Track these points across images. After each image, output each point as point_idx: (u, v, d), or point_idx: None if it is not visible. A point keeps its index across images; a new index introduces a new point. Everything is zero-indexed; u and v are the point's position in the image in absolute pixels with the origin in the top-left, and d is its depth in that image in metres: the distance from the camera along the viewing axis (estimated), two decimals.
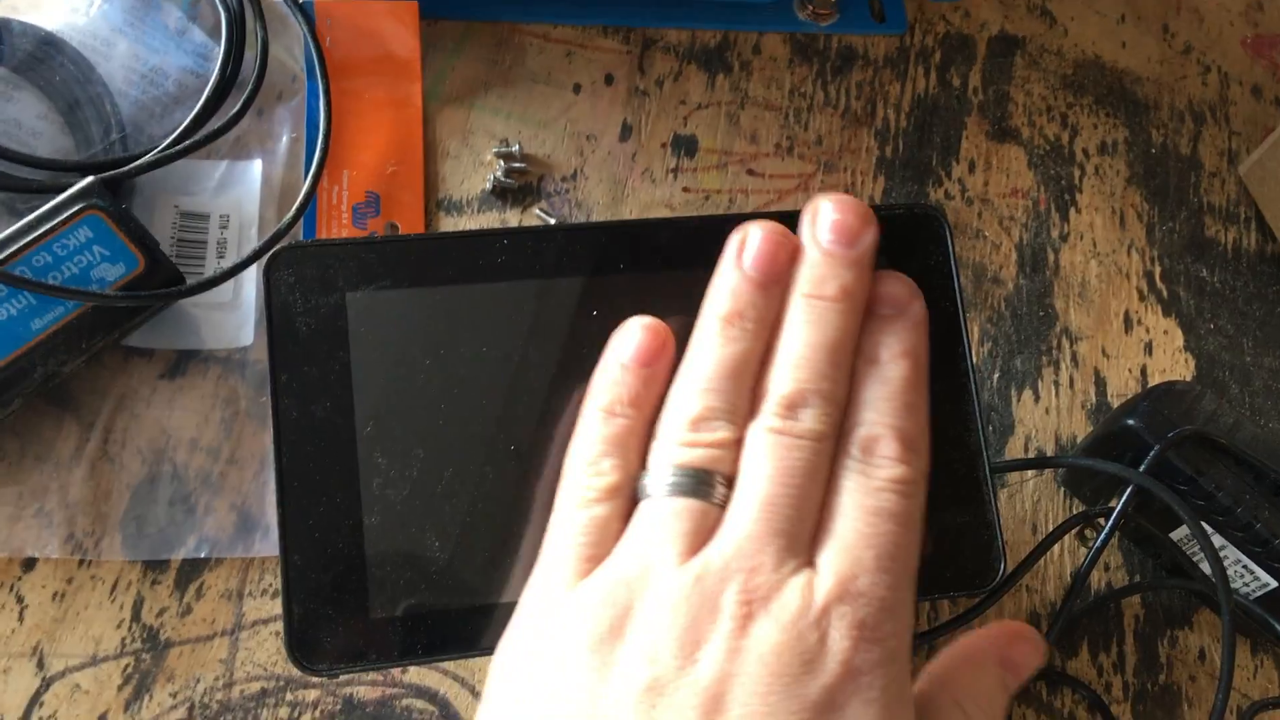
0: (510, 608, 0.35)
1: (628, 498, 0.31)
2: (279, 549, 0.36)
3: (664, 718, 0.27)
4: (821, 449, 0.30)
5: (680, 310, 0.39)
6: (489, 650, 0.36)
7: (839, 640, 0.27)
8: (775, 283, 0.32)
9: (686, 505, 0.29)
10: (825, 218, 0.32)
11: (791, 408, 0.30)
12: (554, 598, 0.30)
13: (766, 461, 0.30)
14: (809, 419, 0.30)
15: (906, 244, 0.40)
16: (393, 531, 0.36)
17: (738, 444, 0.30)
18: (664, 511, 0.30)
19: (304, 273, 0.38)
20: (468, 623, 0.36)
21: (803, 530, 0.29)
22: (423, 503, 0.37)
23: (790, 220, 0.39)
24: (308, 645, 0.35)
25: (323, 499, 0.36)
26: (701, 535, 0.29)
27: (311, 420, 0.37)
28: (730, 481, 0.30)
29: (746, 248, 0.32)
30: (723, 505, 0.30)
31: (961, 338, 0.40)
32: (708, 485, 0.30)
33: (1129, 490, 0.42)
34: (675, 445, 0.30)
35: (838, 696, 0.27)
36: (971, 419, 0.39)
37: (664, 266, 0.39)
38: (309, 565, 0.36)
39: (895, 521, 0.30)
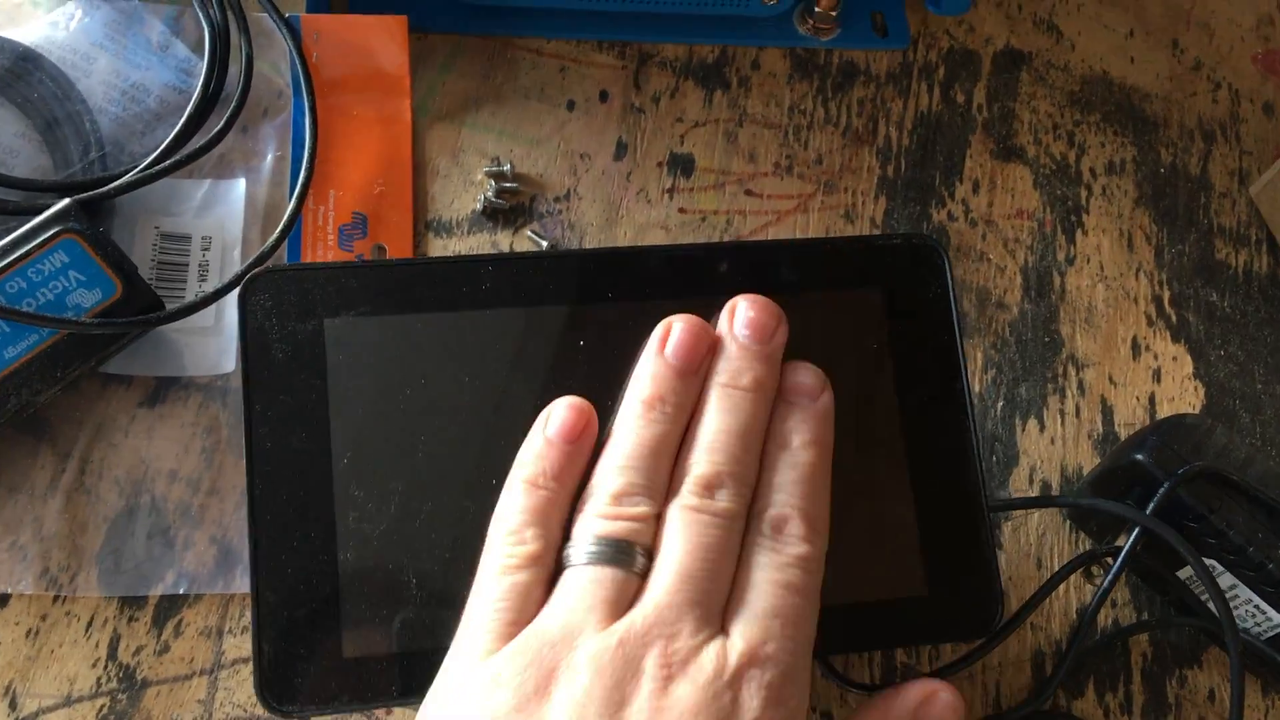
0: None
1: (548, 566, 0.33)
2: (250, 584, 0.35)
3: None
4: (734, 526, 0.33)
5: None
6: None
7: (750, 699, 0.30)
8: (694, 372, 0.35)
9: (608, 574, 0.32)
10: (742, 315, 0.36)
11: (708, 488, 0.33)
12: (476, 662, 0.31)
13: (684, 537, 0.32)
14: (724, 499, 0.33)
15: (905, 275, 0.39)
16: (368, 568, 0.35)
17: (657, 519, 0.33)
18: (586, 579, 0.32)
19: (281, 298, 0.37)
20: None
21: (716, 601, 0.32)
22: (400, 538, 0.35)
23: (771, 251, 0.38)
24: (278, 685, 0.34)
25: (297, 533, 0.35)
26: (622, 604, 0.31)
27: (287, 451, 0.36)
28: (649, 554, 0.32)
29: (670, 338, 0.35)
30: (642, 575, 0.32)
31: (960, 372, 0.39)
32: (628, 555, 0.32)
33: (1135, 532, 0.41)
34: (597, 517, 0.33)
35: None
36: (970, 455, 0.38)
37: (649, 295, 0.38)
38: (281, 602, 0.35)
39: (800, 595, 0.32)
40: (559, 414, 0.35)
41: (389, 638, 0.35)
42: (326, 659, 0.34)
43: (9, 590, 0.42)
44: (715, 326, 0.36)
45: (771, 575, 0.32)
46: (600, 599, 0.31)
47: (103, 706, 0.41)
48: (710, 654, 0.30)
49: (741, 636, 0.31)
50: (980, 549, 0.38)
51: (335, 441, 0.36)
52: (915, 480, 0.38)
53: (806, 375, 0.36)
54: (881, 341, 0.38)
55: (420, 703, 0.32)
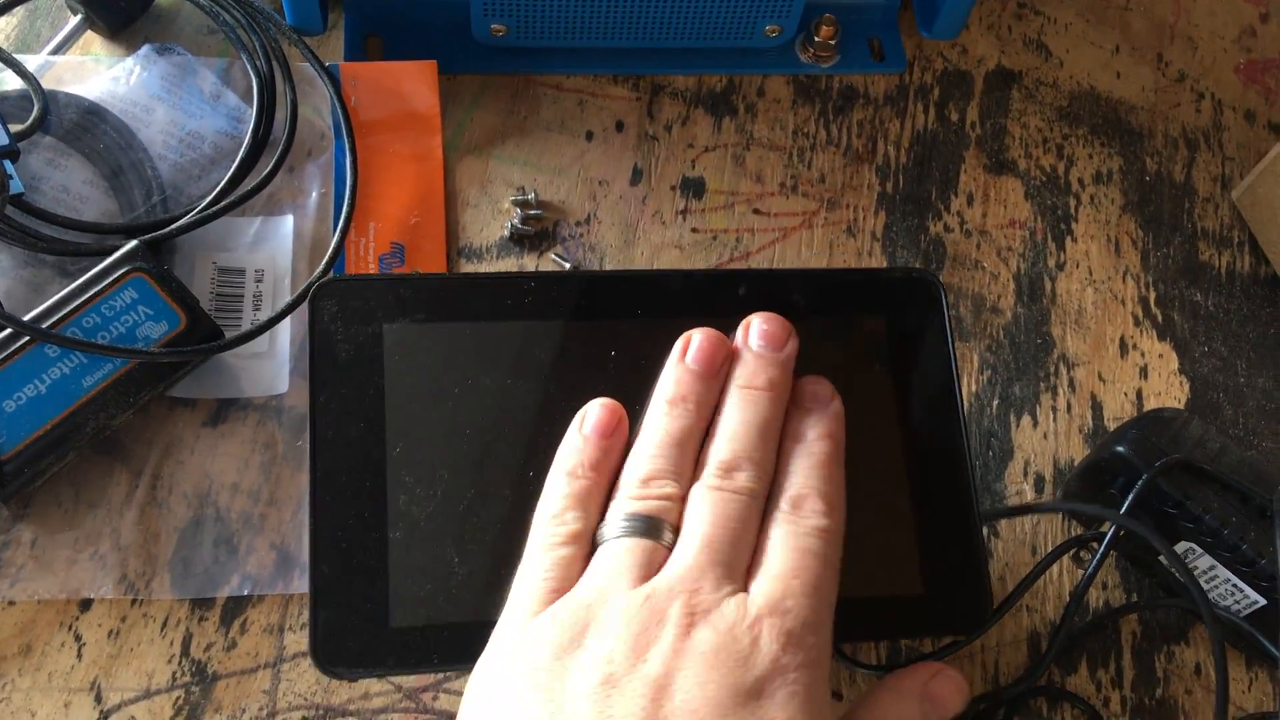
0: None
1: (588, 544, 0.37)
2: (309, 558, 0.39)
3: (617, 704, 0.31)
4: (754, 504, 0.36)
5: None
6: None
7: (769, 643, 0.33)
8: (714, 376, 0.39)
9: (638, 544, 0.35)
10: (756, 328, 0.40)
11: (728, 470, 0.36)
12: (522, 623, 0.35)
13: (707, 510, 0.36)
14: (743, 479, 0.36)
15: (903, 307, 0.43)
16: (415, 546, 0.39)
17: (682, 500, 0.36)
18: (619, 549, 0.35)
19: (346, 304, 0.41)
20: (482, 636, 0.39)
21: (739, 564, 0.35)
22: (445, 521, 0.40)
23: (785, 279, 0.42)
24: (330, 649, 0.38)
25: (352, 513, 0.39)
26: (651, 569, 0.35)
27: (345, 439, 0.40)
28: (676, 530, 0.36)
29: (690, 346, 0.39)
30: (669, 548, 0.35)
31: (955, 399, 0.42)
32: (656, 529, 0.36)
33: (1111, 530, 0.44)
34: (628, 499, 0.37)
35: (766, 686, 0.32)
36: (964, 471, 0.42)
37: (673, 313, 0.42)
38: (335, 574, 0.39)
39: (819, 560, 0.35)
40: (594, 412, 0.39)
41: (432, 610, 0.39)
42: (375, 627, 0.38)
43: (92, 595, 0.46)
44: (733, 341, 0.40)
45: (791, 543, 0.35)
46: (630, 565, 0.34)
47: (178, 698, 0.45)
48: (731, 604, 0.33)
49: (762, 593, 0.34)
50: (972, 553, 0.42)
51: (390, 432, 0.40)
52: (913, 490, 0.42)
53: (818, 385, 0.40)
54: (883, 363, 0.42)
55: (459, 670, 0.36)
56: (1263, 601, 0.46)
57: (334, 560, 0.39)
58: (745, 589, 0.34)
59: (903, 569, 0.41)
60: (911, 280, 0.44)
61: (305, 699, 0.46)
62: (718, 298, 0.43)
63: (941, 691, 0.39)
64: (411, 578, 0.39)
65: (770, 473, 0.37)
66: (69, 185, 0.52)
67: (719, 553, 0.35)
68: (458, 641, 0.38)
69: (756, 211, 0.57)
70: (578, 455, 0.38)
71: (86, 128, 0.52)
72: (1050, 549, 0.50)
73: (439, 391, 0.41)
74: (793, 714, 0.32)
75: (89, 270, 0.47)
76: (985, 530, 0.50)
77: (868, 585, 0.41)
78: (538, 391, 0.41)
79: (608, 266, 0.55)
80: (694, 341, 0.39)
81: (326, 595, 0.38)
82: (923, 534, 0.41)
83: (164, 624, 0.46)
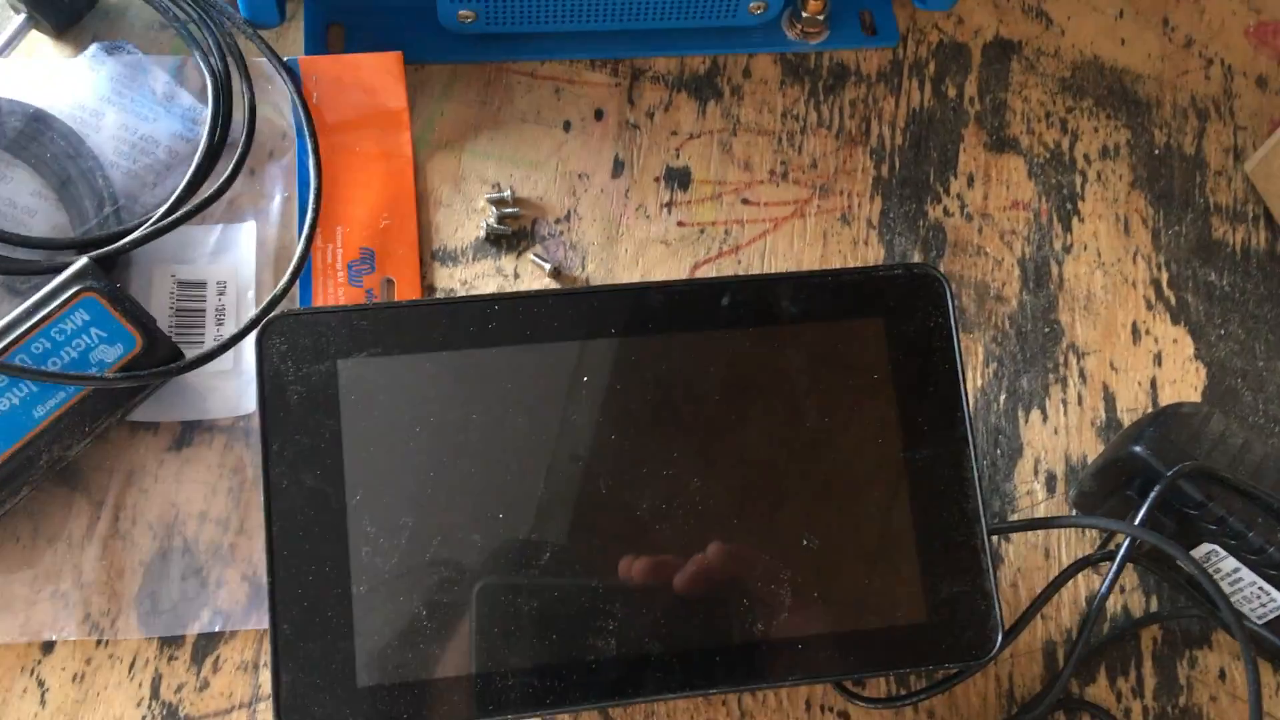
0: (497, 678, 0.36)
1: None
2: (269, 618, 0.36)
3: None
4: None
5: (670, 373, 0.39)
6: None
7: None
8: None
9: None
10: None
11: None
12: None
13: None
14: None
15: (906, 304, 0.40)
16: (380, 601, 0.37)
17: None
18: None
19: (296, 341, 0.38)
20: (454, 692, 0.37)
21: None
22: (410, 572, 0.37)
23: (773, 284, 0.39)
24: (295, 713, 0.36)
25: (312, 567, 0.37)
26: None
27: (302, 488, 0.37)
28: None
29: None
30: None
31: (960, 402, 0.40)
32: None
33: (1127, 542, 0.42)
34: None
35: None
36: (970, 485, 0.39)
37: (653, 330, 0.39)
38: (297, 633, 0.36)
39: None
40: None
41: (401, 667, 0.36)
42: (341, 687, 0.36)
43: (54, 637, 0.44)
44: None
45: None
46: None
47: None
48: None
49: None
50: (979, 576, 0.39)
51: (349, 478, 0.38)
52: (916, 509, 0.39)
53: None
54: (883, 370, 0.40)
55: None
56: None
57: (295, 619, 0.36)
58: None
59: (905, 595, 0.39)
60: (912, 277, 0.41)
61: None
62: (700, 310, 0.40)
63: None
64: (377, 634, 0.36)
65: None
66: (14, 198, 0.49)
67: None
68: (428, 699, 0.36)
69: (745, 201, 0.54)
70: None
71: (32, 136, 0.49)
72: (1063, 551, 0.48)
73: (399, 430, 0.38)
74: None
75: (39, 289, 0.44)
76: (995, 539, 0.47)
77: (868, 615, 0.39)
78: (506, 423, 0.38)
79: (590, 266, 0.52)
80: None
81: (289, 656, 0.36)
82: (926, 556, 0.39)
83: (131, 665, 0.44)
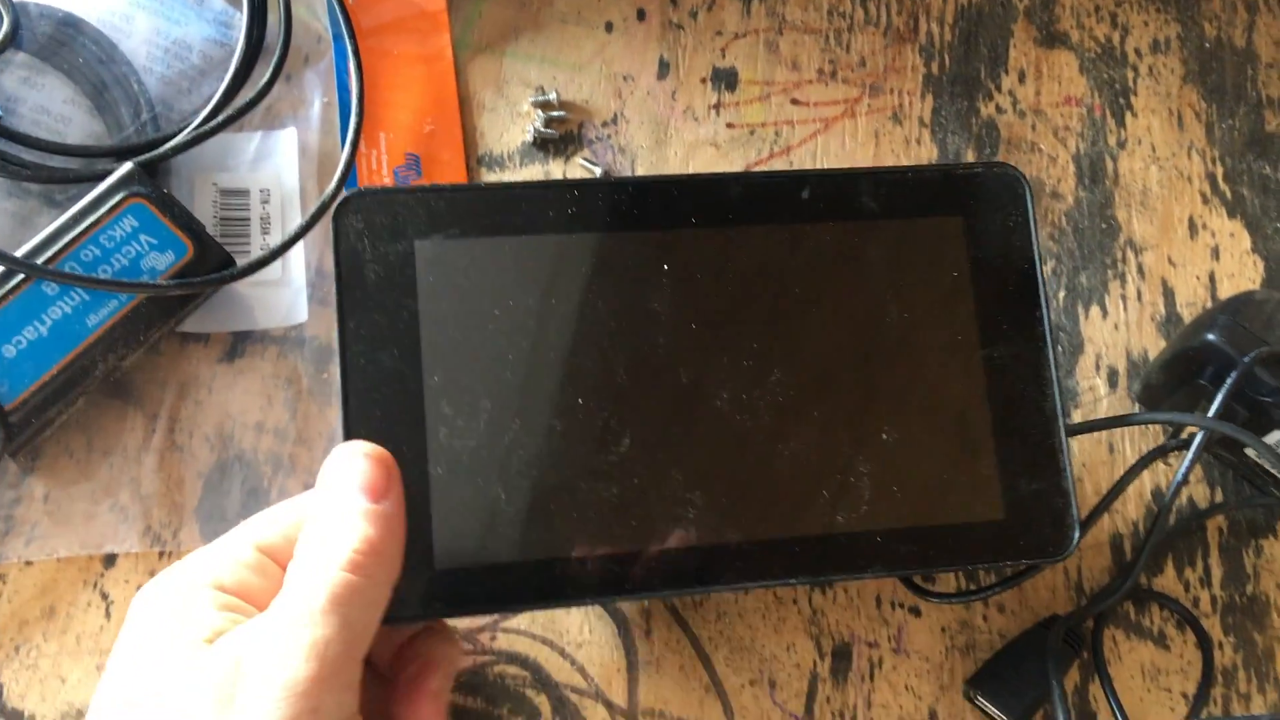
0: (575, 563, 0.35)
1: None
2: None
3: None
4: None
5: (750, 265, 0.38)
6: (553, 604, 0.36)
7: None
8: None
9: None
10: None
11: None
12: None
13: None
14: None
15: (986, 203, 0.40)
16: (458, 483, 0.36)
17: None
18: None
19: (373, 220, 0.37)
20: (532, 576, 0.36)
21: None
22: (489, 455, 0.36)
23: (853, 179, 0.39)
24: None
25: (389, 448, 0.36)
26: None
27: (379, 368, 0.36)
28: None
29: None
30: None
31: (1039, 301, 0.39)
32: None
33: (1201, 434, 0.42)
34: None
35: None
36: (1048, 384, 0.39)
37: (731, 221, 0.39)
38: None
39: None
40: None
41: (479, 550, 0.36)
42: (420, 571, 0.35)
43: (116, 550, 0.43)
44: None
45: None
46: None
47: None
48: None
49: None
50: (1057, 475, 0.39)
51: (426, 359, 0.37)
52: (994, 407, 0.38)
53: None
54: (962, 269, 0.39)
55: (510, 612, 0.33)
56: None
57: None
58: None
59: (983, 491, 0.38)
60: (993, 176, 0.40)
61: None
62: (780, 202, 0.39)
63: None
64: (456, 517, 0.36)
65: None
66: (48, 106, 0.47)
67: None
68: (507, 582, 0.36)
69: (795, 102, 0.53)
70: None
71: (63, 41, 0.47)
72: (1128, 447, 0.48)
73: (477, 313, 0.37)
74: None
75: (80, 199, 0.43)
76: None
77: (946, 510, 0.38)
78: (584, 310, 0.37)
79: (640, 170, 0.51)
80: None
81: None
82: (1004, 454, 0.38)
83: None
